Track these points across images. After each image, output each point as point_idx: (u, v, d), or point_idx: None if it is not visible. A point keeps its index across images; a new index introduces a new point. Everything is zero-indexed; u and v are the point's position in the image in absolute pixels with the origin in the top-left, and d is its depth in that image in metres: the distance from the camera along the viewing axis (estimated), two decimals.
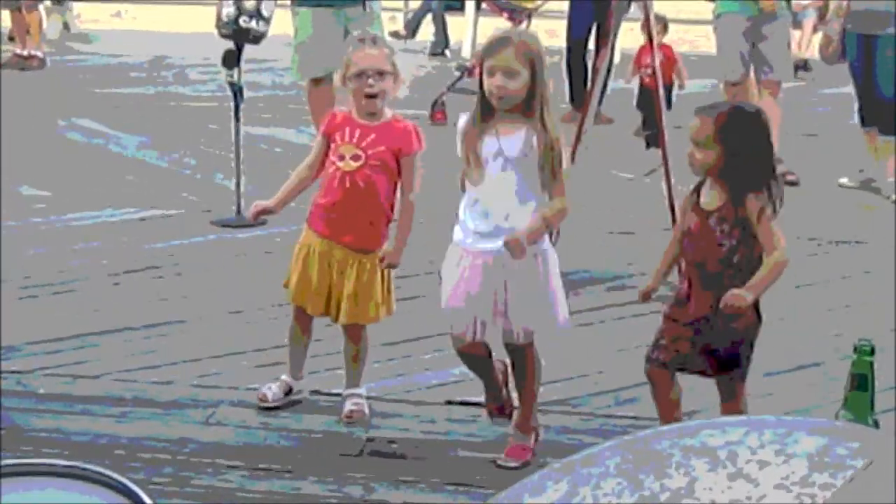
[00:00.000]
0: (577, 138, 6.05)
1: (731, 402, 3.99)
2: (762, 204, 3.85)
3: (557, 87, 10.41)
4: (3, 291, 5.75)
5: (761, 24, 8.35)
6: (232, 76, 7.06)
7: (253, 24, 6.91)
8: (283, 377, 4.71)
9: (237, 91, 7.10)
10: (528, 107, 4.03)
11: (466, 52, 13.12)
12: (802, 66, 12.59)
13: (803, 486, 1.57)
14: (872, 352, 3.03)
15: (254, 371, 4.91)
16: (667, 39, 9.72)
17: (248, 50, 7.04)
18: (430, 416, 4.59)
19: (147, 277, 6.15)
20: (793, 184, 8.33)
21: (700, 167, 3.92)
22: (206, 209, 7.27)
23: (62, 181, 7.97)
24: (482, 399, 4.42)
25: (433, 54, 14.22)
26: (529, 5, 10.34)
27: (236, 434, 4.45)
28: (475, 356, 4.24)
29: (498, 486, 3.96)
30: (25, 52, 12.58)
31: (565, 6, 10.73)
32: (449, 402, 4.68)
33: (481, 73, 4.06)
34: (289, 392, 4.69)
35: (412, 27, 15.28)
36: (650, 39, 6.49)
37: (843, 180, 8.38)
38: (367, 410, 4.58)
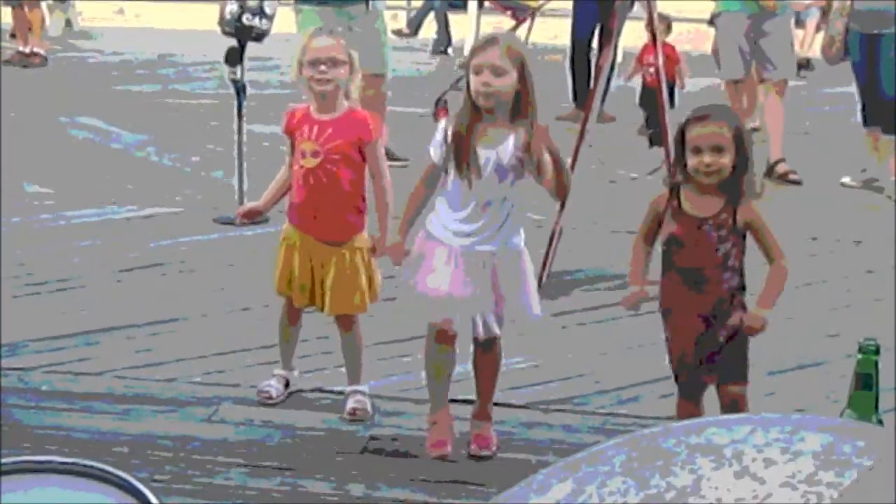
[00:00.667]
0: (581, 137, 6.05)
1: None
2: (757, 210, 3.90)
3: (561, 85, 10.43)
4: (5, 288, 5.75)
5: (762, 22, 8.34)
6: (235, 74, 7.05)
7: (256, 21, 6.91)
8: (279, 371, 4.72)
9: (240, 89, 7.09)
10: (517, 110, 4.02)
11: (469, 51, 13.12)
12: (805, 65, 12.58)
13: (809, 485, 1.56)
14: (877, 351, 3.02)
15: (256, 369, 4.91)
16: (669, 38, 9.71)
17: (251, 48, 7.04)
18: None
19: (150, 275, 6.15)
20: (795, 183, 8.34)
21: (719, 173, 3.86)
22: (209, 207, 7.27)
23: (65, 178, 7.97)
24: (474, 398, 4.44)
25: (435, 52, 14.21)
26: (533, 4, 10.32)
27: (238, 431, 4.45)
28: (450, 348, 4.30)
29: (500, 484, 3.96)
30: (27, 50, 12.58)
31: (569, 5, 10.72)
32: (450, 401, 4.67)
33: (468, 76, 4.04)
34: (287, 385, 4.72)
35: (415, 25, 15.28)
36: (653, 38, 6.49)
37: (846, 180, 8.37)
38: (369, 408, 4.59)
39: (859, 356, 3.03)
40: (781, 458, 1.62)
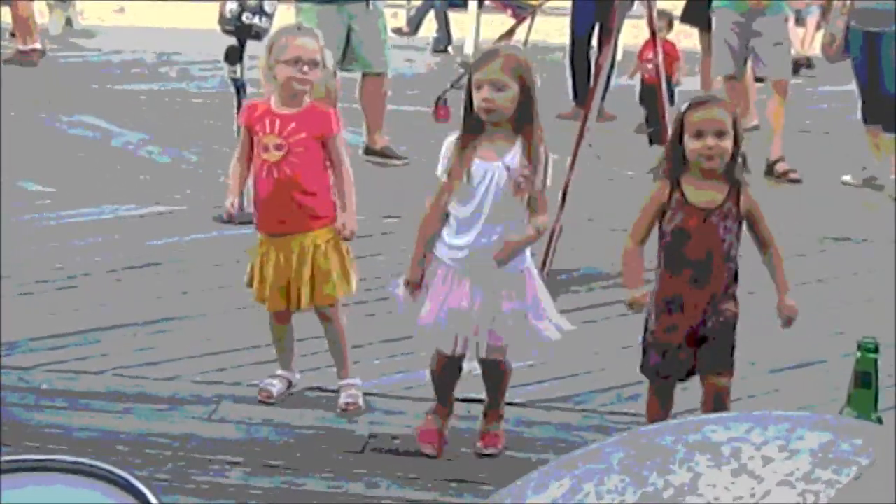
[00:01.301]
0: (580, 135, 6.05)
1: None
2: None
3: (561, 84, 10.42)
4: (5, 287, 5.75)
5: (753, 20, 8.33)
6: (234, 72, 7.06)
7: (256, 20, 6.91)
8: (280, 372, 4.73)
9: (240, 87, 7.09)
10: (518, 123, 4.00)
11: (469, 49, 13.10)
12: (806, 63, 12.57)
13: (807, 483, 1.56)
14: (877, 349, 3.03)
15: (256, 367, 4.91)
16: (670, 36, 9.71)
17: (251, 46, 7.04)
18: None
19: (149, 273, 6.15)
20: (795, 181, 8.34)
21: (721, 157, 3.85)
22: (209, 205, 7.26)
23: (65, 177, 7.97)
24: (483, 396, 4.43)
25: (436, 51, 14.20)
26: (534, 2, 10.32)
27: (239, 430, 4.45)
28: (455, 368, 4.26)
29: (500, 482, 3.96)
30: (28, 48, 12.57)
31: (569, 4, 10.72)
32: (456, 399, 4.67)
33: (470, 90, 4.02)
34: (289, 385, 4.73)
35: (414, 24, 15.27)
36: (653, 35, 6.49)
37: (846, 178, 8.36)
38: (361, 402, 4.59)
39: (859, 354, 3.04)
40: (779, 456, 1.62)
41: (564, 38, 10.72)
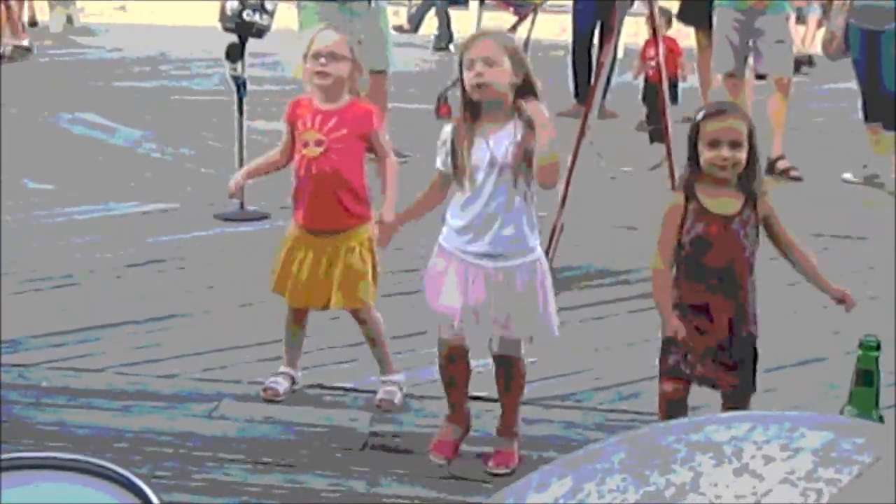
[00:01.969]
0: (581, 133, 6.05)
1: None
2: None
3: (562, 82, 10.42)
4: (5, 284, 5.75)
5: (754, 18, 8.34)
6: (235, 70, 7.06)
7: (256, 17, 6.91)
8: (284, 369, 4.72)
9: (240, 85, 7.10)
10: (514, 102, 3.96)
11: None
12: (807, 61, 12.58)
13: (809, 481, 1.56)
14: (878, 347, 3.02)
15: (257, 365, 4.91)
16: (671, 33, 9.72)
17: (252, 44, 7.04)
18: (433, 410, 4.58)
19: (150, 271, 6.15)
20: (796, 179, 8.34)
21: (734, 167, 3.83)
22: (209, 203, 7.27)
23: (65, 175, 7.97)
24: (484, 394, 4.42)
25: (437, 49, 14.21)
26: (535, 0, 10.32)
27: (239, 428, 4.45)
28: (463, 361, 4.21)
29: (500, 481, 3.96)
30: (25, 43, 12.57)
31: (570, 2, 10.73)
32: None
33: (462, 73, 3.98)
34: (293, 383, 4.73)
35: (416, 21, 15.28)
36: (654, 33, 6.49)
37: (847, 176, 8.37)
38: (396, 400, 4.61)
39: (860, 352, 3.03)
40: (781, 455, 1.61)
41: (566, 36, 10.73)
